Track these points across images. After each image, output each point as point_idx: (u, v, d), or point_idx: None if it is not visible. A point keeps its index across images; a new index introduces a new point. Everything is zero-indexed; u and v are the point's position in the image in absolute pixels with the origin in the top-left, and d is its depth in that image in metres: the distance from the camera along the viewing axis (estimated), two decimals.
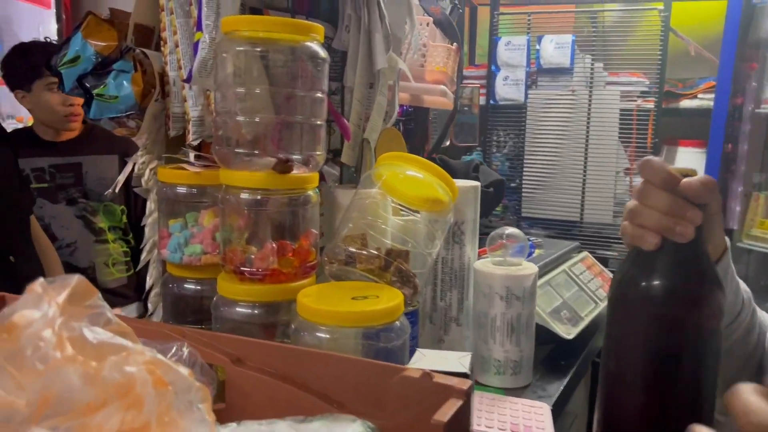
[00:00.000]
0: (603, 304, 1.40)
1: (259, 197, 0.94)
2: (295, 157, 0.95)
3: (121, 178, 1.20)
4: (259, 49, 0.91)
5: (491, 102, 2.35)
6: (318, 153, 0.97)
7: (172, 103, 1.09)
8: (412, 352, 0.91)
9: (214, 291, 0.99)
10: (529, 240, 1.51)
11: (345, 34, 1.13)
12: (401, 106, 1.50)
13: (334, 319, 0.84)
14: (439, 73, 1.33)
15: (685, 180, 0.58)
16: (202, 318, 1.06)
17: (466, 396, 0.68)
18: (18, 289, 0.54)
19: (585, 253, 1.58)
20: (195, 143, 1.10)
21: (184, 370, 0.51)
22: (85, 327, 0.49)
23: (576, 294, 1.35)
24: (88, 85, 1.07)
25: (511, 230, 1.14)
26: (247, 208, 0.95)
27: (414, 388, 0.72)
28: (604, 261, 2.30)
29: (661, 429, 0.58)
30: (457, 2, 1.52)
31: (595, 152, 2.23)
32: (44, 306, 0.44)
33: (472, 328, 1.15)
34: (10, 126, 3.28)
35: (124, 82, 1.07)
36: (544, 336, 1.22)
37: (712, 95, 2.16)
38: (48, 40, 2.11)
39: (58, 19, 3.33)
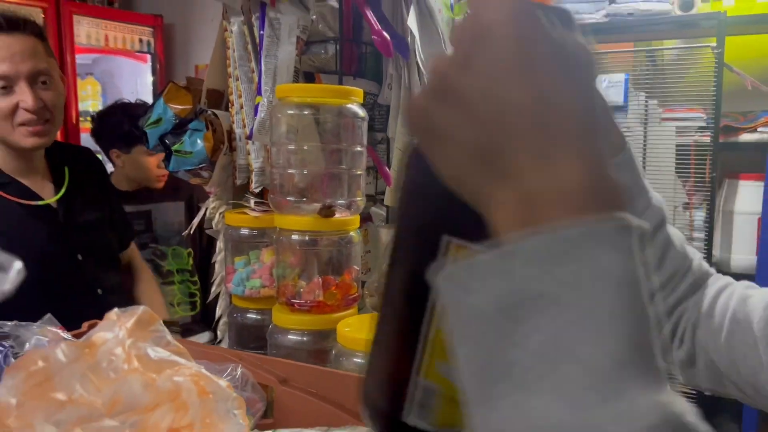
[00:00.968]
0: None
1: (307, 238, 1.08)
2: (338, 202, 1.08)
3: (195, 222, 1.37)
4: (306, 112, 1.06)
5: None
6: (359, 198, 1.10)
7: (238, 156, 1.25)
8: None
9: (271, 320, 1.13)
10: None
11: (388, 90, 1.27)
12: None
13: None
14: None
15: None
16: (263, 344, 1.20)
17: None
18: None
19: None
20: (257, 190, 1.25)
21: (223, 383, 0.64)
22: (148, 347, 0.63)
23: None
24: (168, 142, 1.25)
25: None
26: (298, 247, 1.09)
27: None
28: None
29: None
30: None
31: (653, 187, 2.24)
32: (116, 329, 0.58)
33: None
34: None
35: (198, 140, 1.24)
36: None
37: None
38: (139, 101, 2.25)
39: (153, 72, 3.68)
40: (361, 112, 1.07)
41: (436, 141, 0.32)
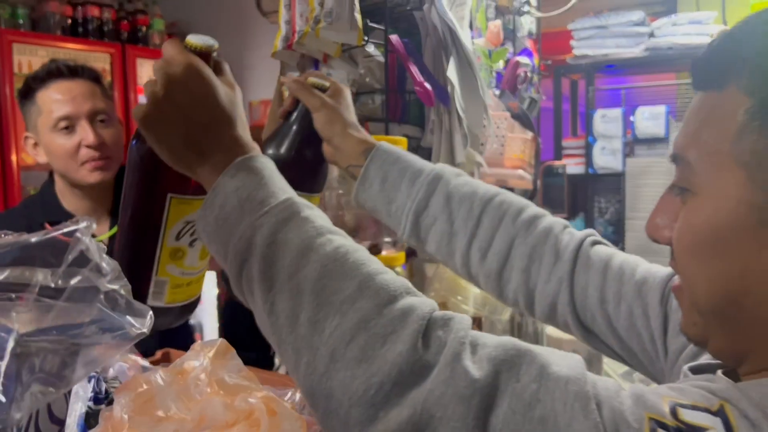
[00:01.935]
0: None
1: None
2: (385, 240, 1.18)
3: None
4: None
5: (590, 171, 2.48)
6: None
7: None
8: None
9: None
10: None
11: (430, 135, 1.38)
12: None
13: None
14: (517, 160, 1.52)
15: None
16: None
17: None
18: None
19: None
20: None
21: (288, 405, 0.75)
22: (225, 373, 0.74)
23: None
24: None
25: None
26: None
27: None
28: None
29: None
30: (533, 96, 1.72)
31: None
32: (201, 358, 0.69)
33: None
34: None
35: None
36: None
37: None
38: None
39: None
40: None
41: (158, 138, 0.60)
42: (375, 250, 1.15)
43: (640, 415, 0.41)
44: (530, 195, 1.67)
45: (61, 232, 0.33)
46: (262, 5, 1.96)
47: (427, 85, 1.29)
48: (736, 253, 0.46)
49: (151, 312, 0.40)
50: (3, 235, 0.40)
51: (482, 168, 1.46)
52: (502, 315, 1.23)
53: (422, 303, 0.49)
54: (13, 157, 3.01)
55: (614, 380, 0.45)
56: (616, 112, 2.41)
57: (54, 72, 1.35)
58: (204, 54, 0.64)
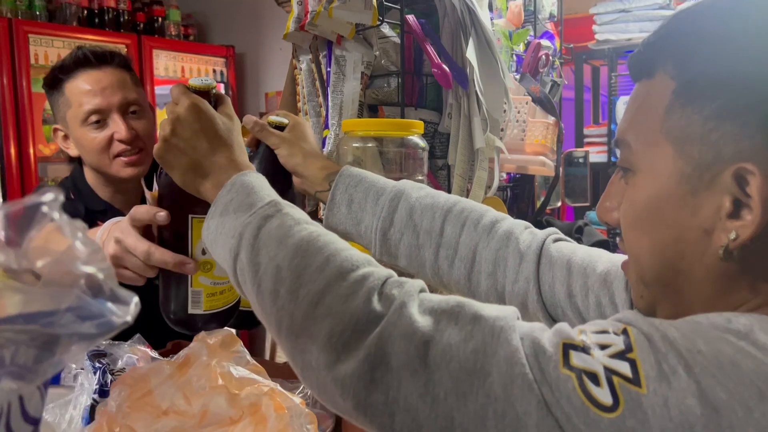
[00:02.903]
0: None
1: None
2: None
3: None
4: (370, 144, 1.13)
5: (613, 159, 2.41)
6: None
7: None
8: None
9: None
10: None
11: (448, 119, 1.32)
12: (508, 173, 1.65)
13: None
14: (539, 146, 1.47)
15: None
16: None
17: None
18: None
19: None
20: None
21: (297, 399, 0.71)
22: (231, 366, 0.70)
23: None
24: None
25: None
26: None
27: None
28: None
29: None
30: (556, 79, 1.66)
31: None
32: (204, 350, 0.65)
33: None
34: None
35: None
36: None
37: None
38: None
39: None
40: (422, 143, 1.13)
41: (171, 167, 0.74)
42: None
43: (556, 342, 0.47)
44: (552, 182, 1.62)
45: (24, 206, 0.29)
46: None
47: (445, 67, 1.24)
48: (672, 222, 0.52)
49: (136, 299, 0.36)
50: None
51: (503, 154, 1.40)
52: None
53: (381, 270, 0.56)
54: (31, 149, 3.01)
55: (542, 324, 0.52)
56: None
57: (81, 60, 1.30)
58: (203, 93, 0.77)
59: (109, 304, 0.35)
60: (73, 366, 1.08)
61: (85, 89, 1.28)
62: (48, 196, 0.30)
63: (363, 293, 0.53)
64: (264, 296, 0.57)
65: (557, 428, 0.44)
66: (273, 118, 0.94)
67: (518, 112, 1.47)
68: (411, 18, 1.27)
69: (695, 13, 0.53)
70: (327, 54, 1.26)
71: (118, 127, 1.28)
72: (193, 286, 0.81)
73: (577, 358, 0.46)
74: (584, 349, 0.46)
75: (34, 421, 0.39)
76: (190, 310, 0.81)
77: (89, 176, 1.38)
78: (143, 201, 1.45)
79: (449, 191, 1.32)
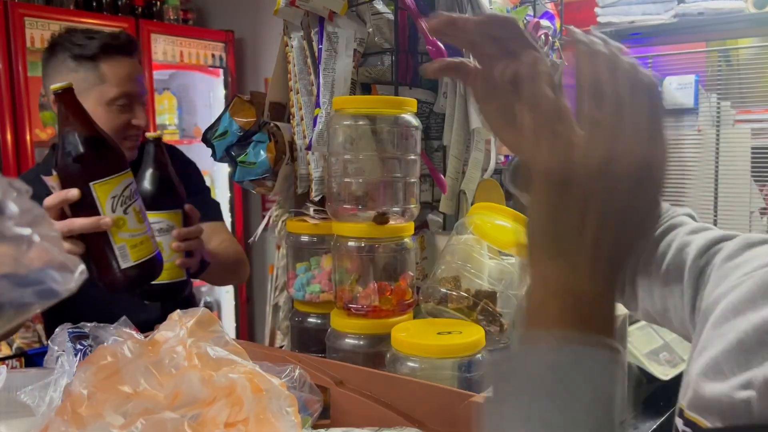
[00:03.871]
0: None
1: (363, 244, 1.11)
2: (393, 209, 1.11)
3: (260, 230, 1.43)
4: (362, 122, 1.10)
5: None
6: (413, 206, 1.12)
7: (299, 167, 1.30)
8: None
9: (330, 324, 1.16)
10: None
11: (443, 99, 1.29)
12: (506, 156, 1.62)
13: (421, 351, 0.98)
14: None
15: None
16: (323, 348, 1.24)
17: None
18: None
19: None
20: (317, 199, 1.30)
21: (276, 381, 0.68)
22: (208, 346, 0.67)
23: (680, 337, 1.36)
24: (233, 153, 1.31)
25: None
26: (354, 253, 1.13)
27: (479, 411, 0.83)
28: None
29: None
30: (555, 60, 1.62)
31: (726, 191, 2.17)
32: (178, 329, 0.62)
33: None
34: None
35: (261, 151, 1.30)
36: (645, 376, 1.25)
37: None
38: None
39: (225, 86, 3.83)
40: (415, 122, 1.09)
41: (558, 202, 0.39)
42: (383, 219, 1.08)
43: None
44: None
45: None
46: None
47: (440, 45, 1.20)
48: None
49: (82, 266, 0.33)
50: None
51: None
52: (518, 290, 1.15)
53: None
54: (27, 134, 2.98)
55: None
56: None
57: (123, 46, 1.40)
58: None
59: (52, 271, 0.33)
60: (56, 348, 1.05)
61: (123, 73, 1.39)
62: None
63: None
64: None
65: None
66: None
67: None
68: None
69: None
70: (319, 31, 1.22)
71: (140, 115, 1.41)
72: (117, 243, 0.93)
73: None
74: None
75: None
76: (123, 266, 0.95)
77: None
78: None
79: (444, 173, 1.29)
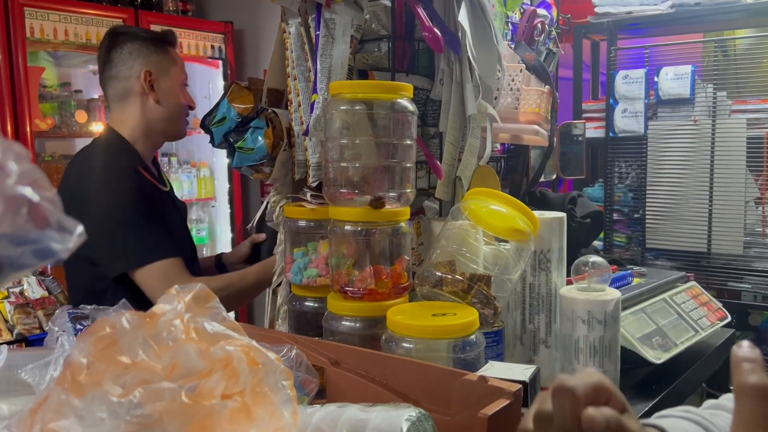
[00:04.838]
0: (703, 333, 1.41)
1: (359, 228, 1.12)
2: (389, 194, 1.12)
3: (258, 215, 1.45)
4: (358, 107, 1.11)
5: (611, 134, 2.38)
6: (408, 190, 1.14)
7: (296, 152, 1.31)
8: None
9: (326, 308, 1.18)
10: (629, 269, 1.55)
11: (439, 86, 1.30)
12: (502, 144, 1.63)
13: (416, 332, 1.00)
14: (533, 114, 1.44)
15: None
16: (320, 332, 1.25)
17: (514, 397, 0.80)
18: None
19: (692, 283, 1.58)
20: (314, 184, 1.31)
21: (272, 355, 0.69)
22: (205, 321, 0.69)
23: (673, 322, 1.38)
24: (231, 140, 1.33)
25: (594, 258, 1.22)
26: (351, 237, 1.14)
27: (472, 389, 0.85)
28: (736, 293, 2.22)
29: None
30: (552, 48, 1.63)
31: (722, 181, 2.18)
32: (175, 302, 0.64)
33: (559, 349, 1.24)
34: (185, 170, 3.81)
35: (259, 137, 1.31)
36: (637, 360, 1.27)
37: None
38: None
39: (225, 77, 3.83)
40: (411, 107, 1.10)
41: None
42: (379, 203, 1.09)
43: None
44: (546, 152, 1.60)
45: None
46: None
47: (437, 31, 1.21)
48: None
49: (80, 228, 0.34)
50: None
51: (495, 123, 1.38)
52: (512, 274, 1.16)
53: None
54: (27, 124, 2.99)
55: None
56: (639, 73, 2.30)
57: (174, 39, 1.71)
58: None
59: (50, 232, 0.34)
60: (56, 329, 1.07)
61: (181, 60, 1.72)
62: None
63: None
64: None
65: None
66: None
67: (512, 80, 1.45)
68: None
69: None
70: (316, 17, 1.23)
71: (192, 97, 1.74)
72: None
73: None
74: None
75: None
76: None
77: (138, 144, 1.65)
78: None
79: (440, 160, 1.30)
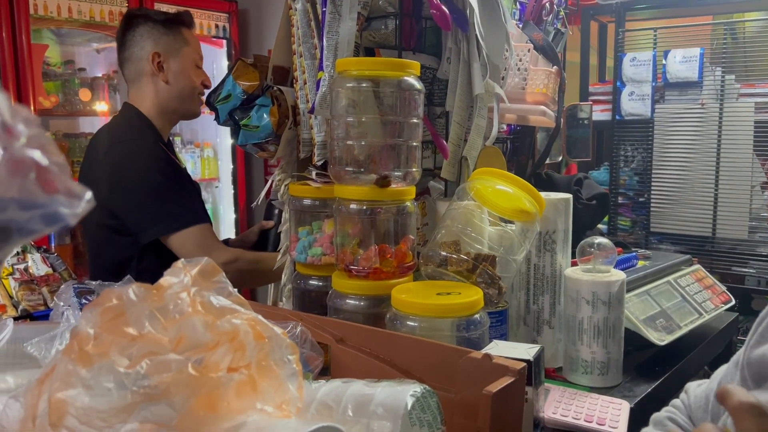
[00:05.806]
0: (707, 316, 1.41)
1: (365, 207, 1.12)
2: (395, 173, 1.12)
3: (263, 194, 1.44)
4: (365, 85, 1.10)
5: (617, 117, 2.37)
6: (414, 169, 1.13)
7: (301, 131, 1.31)
8: None
9: (331, 286, 1.18)
10: (634, 252, 1.55)
11: (447, 64, 1.29)
12: (509, 125, 1.62)
13: (421, 311, 1.00)
14: (540, 95, 1.43)
15: None
16: (325, 310, 1.25)
17: (518, 375, 0.81)
18: None
19: (697, 266, 1.58)
20: (320, 163, 1.30)
21: (278, 329, 0.69)
22: (211, 295, 0.68)
23: (678, 304, 1.38)
24: (236, 117, 1.32)
25: (600, 240, 1.21)
26: (356, 216, 1.14)
27: (476, 367, 0.86)
28: (740, 278, 2.22)
29: None
30: (560, 28, 1.61)
31: (728, 166, 2.17)
32: (182, 275, 0.64)
33: (563, 330, 1.24)
34: (188, 150, 3.80)
35: (264, 115, 1.31)
36: (641, 341, 1.27)
37: None
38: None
39: (229, 57, 3.81)
40: (418, 85, 1.10)
41: None
42: (384, 182, 1.08)
43: None
44: (553, 134, 1.59)
45: None
46: None
47: (444, 9, 1.20)
48: None
49: (89, 194, 0.34)
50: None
51: (502, 102, 1.37)
52: (517, 255, 1.16)
53: None
54: (31, 102, 2.98)
55: None
56: (647, 55, 2.28)
57: (191, 20, 1.75)
58: None
59: (59, 197, 0.33)
60: (61, 303, 1.07)
61: (196, 41, 1.76)
62: None
63: None
64: None
65: None
66: None
67: (519, 60, 1.43)
68: None
69: None
70: None
71: (208, 76, 1.78)
72: None
73: None
74: None
75: None
76: None
77: (156, 120, 1.69)
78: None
79: (447, 139, 1.29)
